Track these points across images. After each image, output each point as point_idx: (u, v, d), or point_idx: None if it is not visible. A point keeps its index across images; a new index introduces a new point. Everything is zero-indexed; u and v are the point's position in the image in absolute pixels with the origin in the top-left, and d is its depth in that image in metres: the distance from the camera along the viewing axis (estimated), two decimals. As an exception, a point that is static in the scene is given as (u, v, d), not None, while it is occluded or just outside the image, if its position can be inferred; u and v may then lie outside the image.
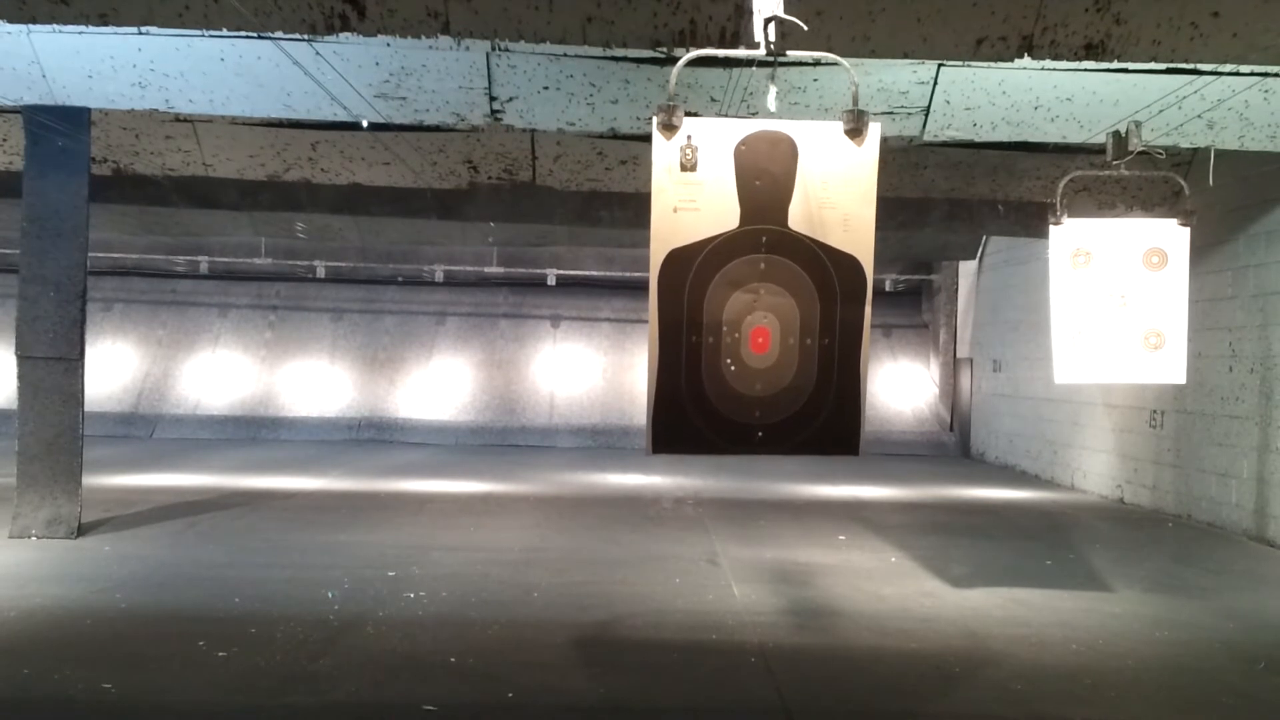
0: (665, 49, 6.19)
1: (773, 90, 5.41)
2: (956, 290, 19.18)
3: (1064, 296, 7.81)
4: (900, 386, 19.74)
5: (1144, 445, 12.41)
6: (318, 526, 9.70)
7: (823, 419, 5.17)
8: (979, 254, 17.62)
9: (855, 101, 5.06)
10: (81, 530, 8.79)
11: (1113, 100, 7.43)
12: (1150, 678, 5.77)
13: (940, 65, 6.96)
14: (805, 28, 5.23)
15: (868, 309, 5.13)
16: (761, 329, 5.10)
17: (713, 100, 7.51)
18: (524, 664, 5.67)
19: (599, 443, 18.51)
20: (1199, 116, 7.69)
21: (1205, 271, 10.87)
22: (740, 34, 5.87)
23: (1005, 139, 8.17)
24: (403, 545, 8.80)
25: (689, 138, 4.95)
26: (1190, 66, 6.59)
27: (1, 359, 16.31)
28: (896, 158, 11.02)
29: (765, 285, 5.08)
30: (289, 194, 11.60)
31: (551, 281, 19.74)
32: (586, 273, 19.92)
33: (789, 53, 5.34)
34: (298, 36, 6.39)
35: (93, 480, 10.26)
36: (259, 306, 20.28)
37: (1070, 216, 7.93)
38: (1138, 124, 7.54)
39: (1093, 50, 6.16)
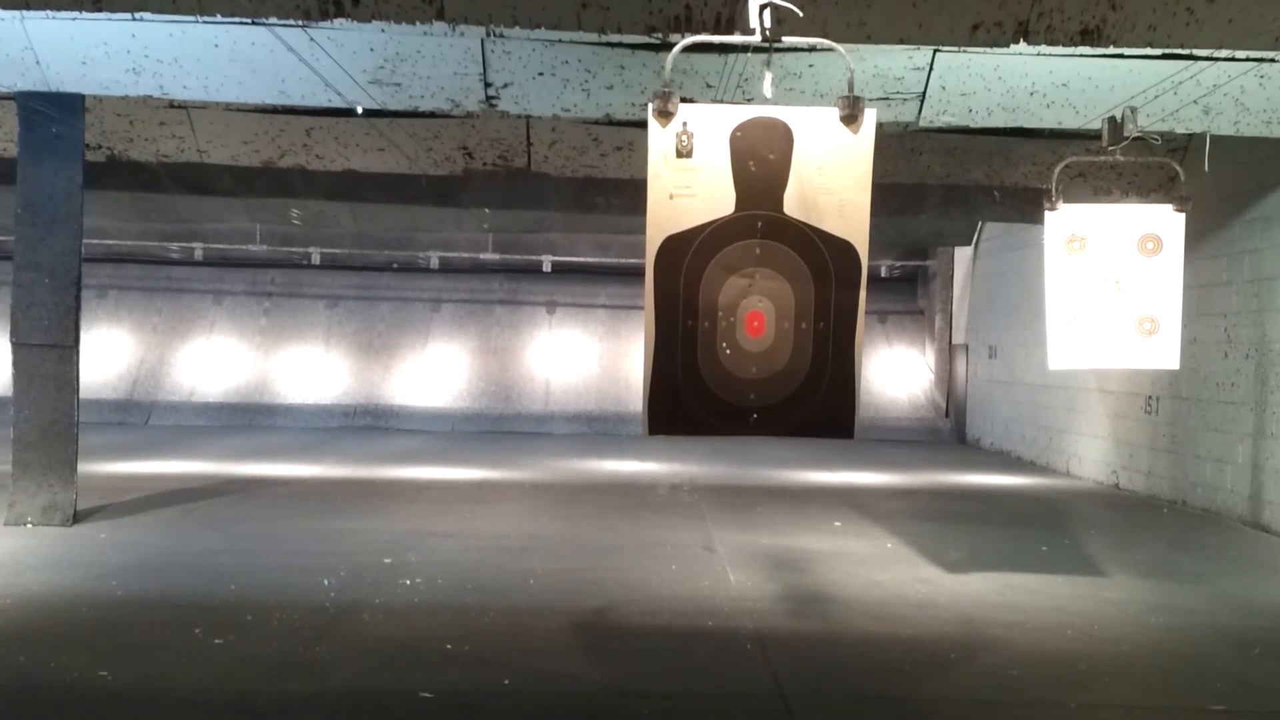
0: (660, 35, 6.18)
1: (768, 76, 5.41)
2: (952, 276, 19.18)
3: (1059, 282, 7.82)
4: (896, 373, 19.75)
5: (1139, 431, 12.43)
6: (314, 513, 9.70)
7: (817, 402, 5.19)
8: (975, 240, 17.62)
9: (851, 88, 5.06)
10: (77, 517, 8.78)
11: (1108, 86, 7.42)
12: (1145, 663, 5.80)
13: (936, 51, 6.95)
14: (800, 14, 5.23)
15: (862, 294, 5.15)
16: (757, 313, 5.12)
17: (708, 86, 7.50)
18: (520, 650, 5.68)
19: (595, 429, 18.51)
20: (1194, 102, 7.68)
21: (1201, 257, 10.87)
22: (736, 20, 5.85)
23: (1001, 125, 8.15)
24: (399, 532, 8.81)
25: (684, 124, 4.95)
26: (1186, 52, 6.58)
27: (-4, 346, 16.28)
28: (892, 143, 11.00)
29: (761, 270, 5.09)
30: (284, 180, 11.58)
31: (547, 268, 19.71)
32: (582, 259, 19.90)
33: (784, 39, 5.34)
34: (292, 22, 6.37)
35: (88, 467, 10.25)
36: (254, 293, 20.26)
37: (1066, 202, 7.94)
38: (1133, 110, 7.54)
39: (1089, 36, 6.15)
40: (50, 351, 8.70)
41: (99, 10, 6.14)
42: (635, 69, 7.36)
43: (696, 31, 5.97)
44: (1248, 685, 5.45)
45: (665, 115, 4.93)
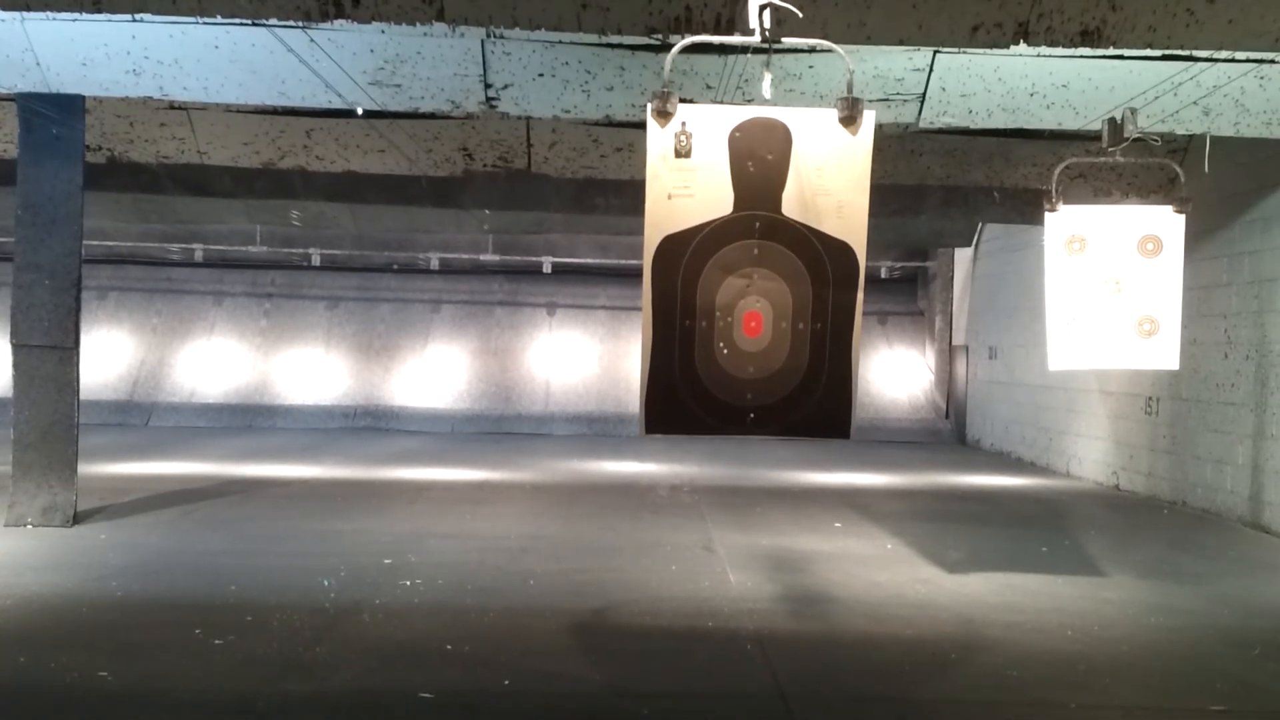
0: (660, 36, 6.18)
1: (768, 77, 5.41)
2: (952, 277, 19.17)
3: (1059, 283, 7.82)
4: (896, 374, 19.74)
5: (1139, 432, 12.43)
6: (314, 514, 9.70)
7: (814, 402, 5.20)
8: (975, 241, 17.62)
9: (850, 89, 5.06)
10: (77, 518, 8.78)
11: (1108, 87, 7.42)
12: (1144, 663, 5.80)
13: (936, 52, 6.95)
14: (800, 14, 5.23)
15: (860, 295, 5.15)
16: (754, 313, 5.12)
17: (708, 87, 7.50)
18: (520, 651, 5.68)
19: (595, 430, 18.51)
20: (1195, 103, 7.68)
21: (1201, 258, 10.87)
22: (735, 21, 5.86)
23: (1001, 126, 8.15)
24: (399, 533, 8.81)
25: (684, 124, 4.96)
26: (1186, 53, 6.59)
27: (-4, 347, 16.28)
28: (892, 144, 11.01)
29: (759, 270, 5.10)
30: (284, 181, 11.58)
31: (547, 269, 19.70)
32: (582, 260, 19.90)
33: (784, 40, 5.34)
34: (292, 24, 6.37)
35: (88, 468, 10.25)
36: (254, 294, 20.26)
37: (1066, 203, 7.95)
38: (1133, 110, 7.54)
39: (1089, 37, 6.16)
40: (50, 353, 8.70)
41: (99, 11, 6.14)
42: (635, 70, 7.36)
43: (696, 32, 5.98)
44: (1248, 685, 5.45)
45: (664, 115, 4.94)
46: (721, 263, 5.07)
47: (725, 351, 5.13)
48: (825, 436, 5.33)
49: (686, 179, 4.99)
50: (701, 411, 5.16)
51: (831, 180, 5.04)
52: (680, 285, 5.06)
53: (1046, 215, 7.91)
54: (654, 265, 5.04)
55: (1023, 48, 6.26)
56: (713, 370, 5.14)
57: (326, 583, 7.01)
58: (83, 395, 9.15)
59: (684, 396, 5.13)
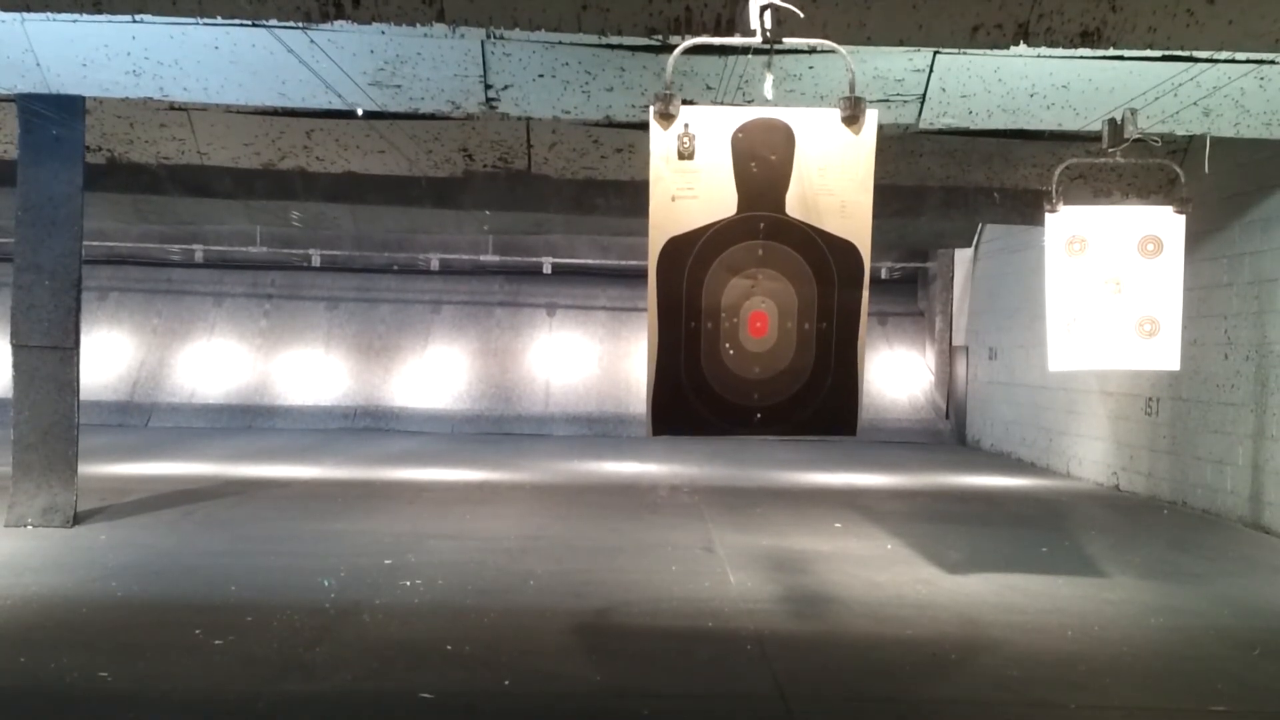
0: (661, 37, 6.18)
1: (769, 78, 5.41)
2: (952, 278, 19.18)
3: (1059, 284, 7.82)
4: (896, 374, 19.75)
5: (1140, 432, 12.43)
6: (314, 515, 9.70)
7: (821, 400, 5.20)
8: (975, 241, 17.62)
9: (852, 89, 5.06)
10: (77, 519, 8.78)
11: (1108, 88, 7.42)
12: (1145, 664, 5.80)
13: (936, 53, 6.95)
14: (801, 15, 5.23)
15: (865, 294, 5.15)
16: (760, 314, 5.13)
17: (708, 88, 7.50)
18: (521, 652, 5.68)
19: (595, 431, 18.52)
20: (1195, 104, 7.68)
21: (1201, 259, 10.87)
22: (736, 21, 5.86)
23: (1001, 126, 8.16)
24: (399, 533, 8.81)
25: (686, 126, 4.96)
26: (1186, 53, 6.59)
27: (-4, 348, 16.27)
28: (892, 145, 11.01)
29: (763, 271, 5.10)
30: (284, 182, 11.58)
31: (547, 270, 19.72)
32: (582, 261, 19.92)
33: (785, 40, 5.34)
34: (292, 24, 6.37)
35: (88, 469, 10.25)
36: (254, 295, 20.26)
37: (1066, 204, 7.94)
38: (1133, 111, 7.54)
39: (1089, 37, 6.16)
40: (50, 353, 8.70)
41: (99, 12, 6.15)
42: (635, 71, 7.36)
43: (697, 33, 5.98)
44: (1248, 685, 5.45)
45: (667, 118, 4.94)
46: (726, 264, 5.07)
47: (731, 352, 5.13)
48: (832, 434, 5.33)
49: (690, 181, 4.99)
50: (708, 412, 5.16)
51: (835, 180, 5.04)
52: (685, 287, 5.06)
53: (1047, 216, 7.91)
54: (659, 267, 5.04)
55: (1023, 48, 6.26)
56: (719, 371, 5.14)
57: (326, 583, 7.01)
58: (83, 396, 9.15)
59: (691, 398, 5.14)
